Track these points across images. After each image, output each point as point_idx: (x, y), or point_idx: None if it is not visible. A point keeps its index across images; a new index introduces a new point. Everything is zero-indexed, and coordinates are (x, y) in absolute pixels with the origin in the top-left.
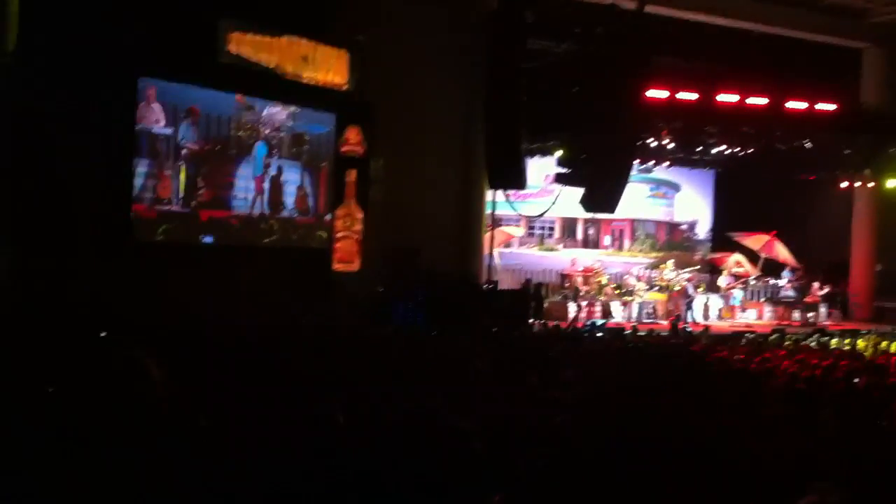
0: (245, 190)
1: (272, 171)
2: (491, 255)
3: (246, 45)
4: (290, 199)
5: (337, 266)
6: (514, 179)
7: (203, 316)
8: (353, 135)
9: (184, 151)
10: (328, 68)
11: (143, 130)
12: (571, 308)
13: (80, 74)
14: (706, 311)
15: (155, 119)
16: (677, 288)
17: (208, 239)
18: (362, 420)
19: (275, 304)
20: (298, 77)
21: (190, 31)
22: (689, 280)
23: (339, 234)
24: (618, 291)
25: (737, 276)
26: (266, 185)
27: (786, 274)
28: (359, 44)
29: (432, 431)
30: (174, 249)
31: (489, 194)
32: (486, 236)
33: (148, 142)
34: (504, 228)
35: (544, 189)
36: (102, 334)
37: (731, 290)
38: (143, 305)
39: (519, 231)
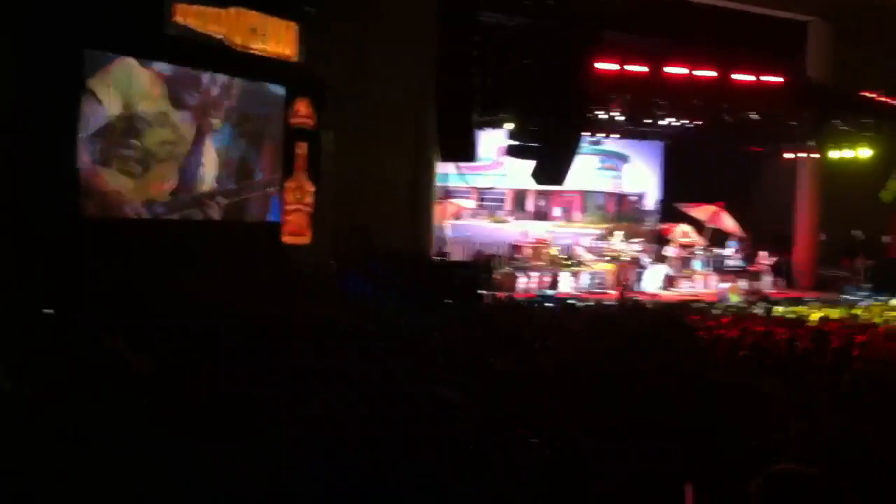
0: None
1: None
2: (442, 227)
3: (193, 17)
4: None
5: (287, 239)
6: (464, 152)
7: (162, 296)
8: (302, 107)
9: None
10: (277, 40)
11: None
12: (521, 279)
13: (25, 47)
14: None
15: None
16: (626, 258)
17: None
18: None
19: (230, 282)
20: (247, 49)
21: (135, 2)
22: (642, 251)
23: (290, 207)
24: (567, 262)
25: (684, 246)
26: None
27: (731, 244)
28: (308, 15)
29: (424, 403)
30: (122, 225)
31: (440, 167)
32: (438, 208)
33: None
34: (455, 200)
35: (495, 162)
36: (47, 311)
37: (689, 259)
38: (96, 285)
39: (470, 203)
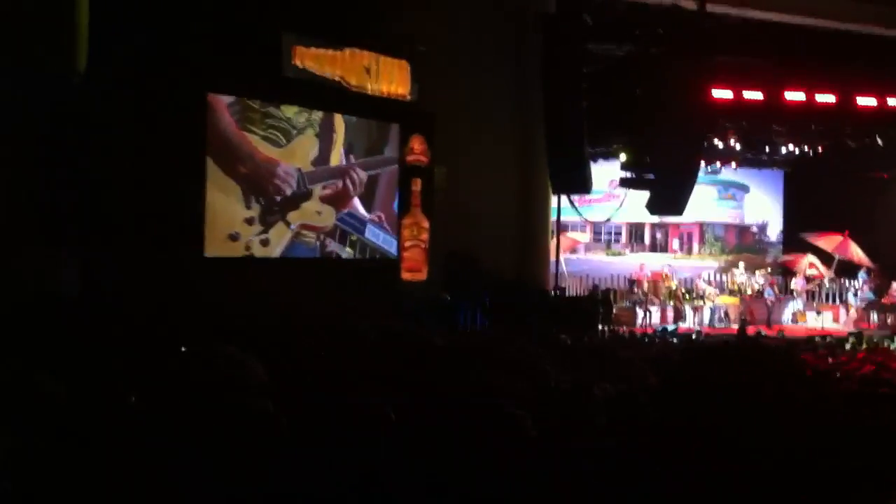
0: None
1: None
2: (557, 261)
3: (310, 59)
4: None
5: (405, 276)
6: (578, 184)
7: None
8: (417, 144)
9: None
10: (391, 79)
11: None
12: (640, 314)
13: (150, 92)
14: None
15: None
16: (749, 291)
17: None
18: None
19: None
20: (363, 89)
21: (255, 46)
22: (767, 283)
23: (407, 244)
24: (688, 296)
25: (810, 279)
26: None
27: (861, 275)
28: (419, 54)
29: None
30: (247, 263)
31: (553, 200)
32: (552, 243)
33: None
34: (570, 234)
35: (609, 193)
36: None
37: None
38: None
39: (584, 237)
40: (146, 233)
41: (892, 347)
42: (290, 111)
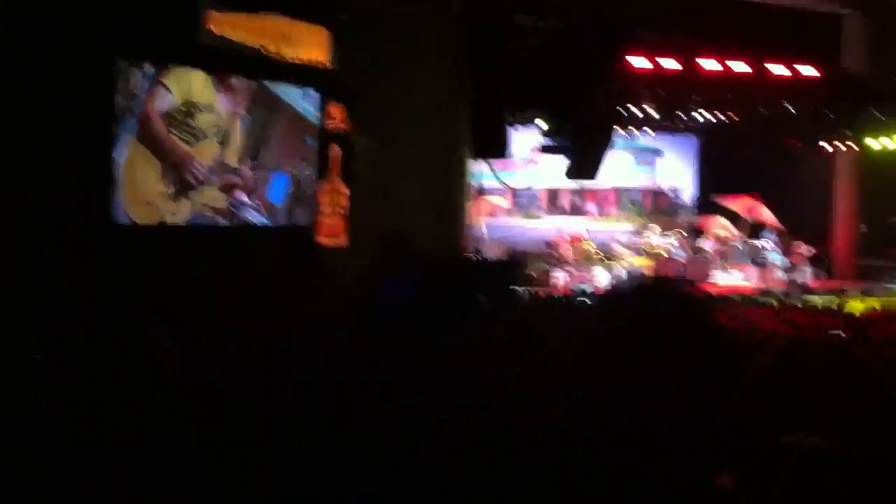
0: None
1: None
2: (477, 225)
3: (226, 25)
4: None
5: (323, 240)
6: (497, 149)
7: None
8: (336, 112)
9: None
10: (310, 46)
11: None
12: (556, 276)
13: (58, 59)
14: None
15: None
16: (663, 252)
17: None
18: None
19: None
20: (281, 56)
21: (169, 12)
22: (678, 245)
23: (326, 210)
24: (604, 258)
25: (720, 239)
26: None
27: (769, 235)
28: (340, 21)
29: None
30: (159, 232)
31: (473, 165)
32: (472, 207)
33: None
34: (489, 198)
35: (529, 159)
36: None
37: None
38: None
39: (504, 202)
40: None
41: (797, 304)
42: (203, 120)
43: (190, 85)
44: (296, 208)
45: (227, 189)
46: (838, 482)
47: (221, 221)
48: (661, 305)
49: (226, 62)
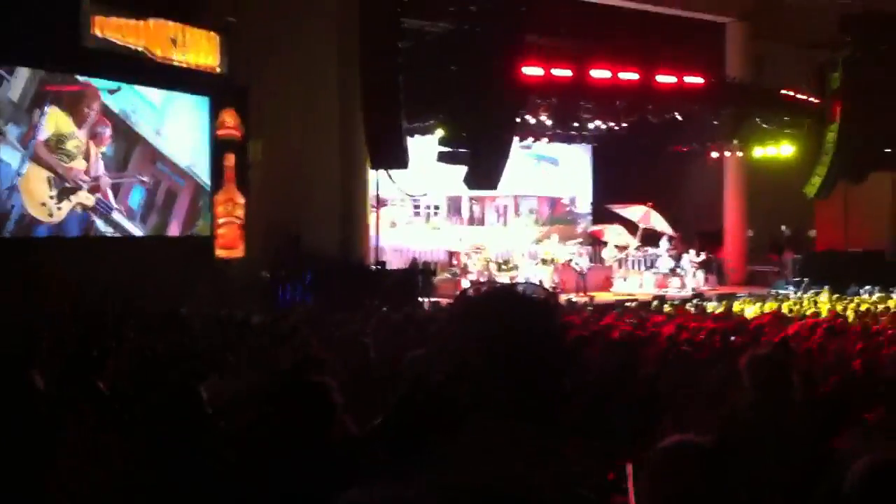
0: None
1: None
2: (378, 235)
3: (111, 29)
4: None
5: (220, 253)
6: (396, 159)
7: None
8: (229, 118)
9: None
10: (198, 51)
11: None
12: (461, 285)
13: None
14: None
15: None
16: (561, 261)
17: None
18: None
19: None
20: (169, 60)
21: (52, 16)
22: (577, 253)
23: (221, 220)
24: (505, 267)
25: (619, 248)
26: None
27: (663, 243)
28: (229, 25)
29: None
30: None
31: (372, 175)
32: (372, 216)
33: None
34: (389, 208)
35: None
36: None
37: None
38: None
39: (404, 211)
40: None
41: (690, 310)
42: (70, 144)
43: (56, 121)
44: (149, 214)
45: (93, 192)
46: (715, 474)
47: (95, 219)
48: (503, 309)
49: (110, 67)
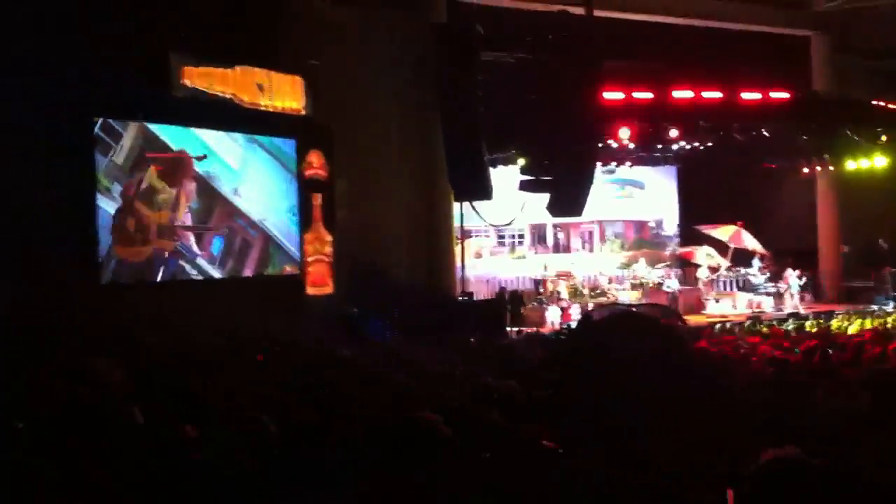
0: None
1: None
2: (463, 266)
3: (199, 78)
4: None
5: (310, 290)
6: (479, 191)
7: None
8: (315, 158)
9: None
10: (284, 95)
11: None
12: (548, 313)
13: (37, 117)
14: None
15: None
16: (651, 284)
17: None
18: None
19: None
20: (256, 105)
21: (142, 68)
22: (667, 276)
23: (310, 258)
24: (592, 293)
25: (708, 269)
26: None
27: (755, 262)
28: (312, 68)
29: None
30: (144, 288)
31: (456, 207)
32: (457, 248)
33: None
34: (474, 239)
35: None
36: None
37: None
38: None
39: (489, 241)
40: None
41: (788, 329)
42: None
43: (151, 178)
44: (228, 259)
45: (177, 238)
46: (819, 492)
47: (183, 264)
48: (629, 332)
49: (200, 114)
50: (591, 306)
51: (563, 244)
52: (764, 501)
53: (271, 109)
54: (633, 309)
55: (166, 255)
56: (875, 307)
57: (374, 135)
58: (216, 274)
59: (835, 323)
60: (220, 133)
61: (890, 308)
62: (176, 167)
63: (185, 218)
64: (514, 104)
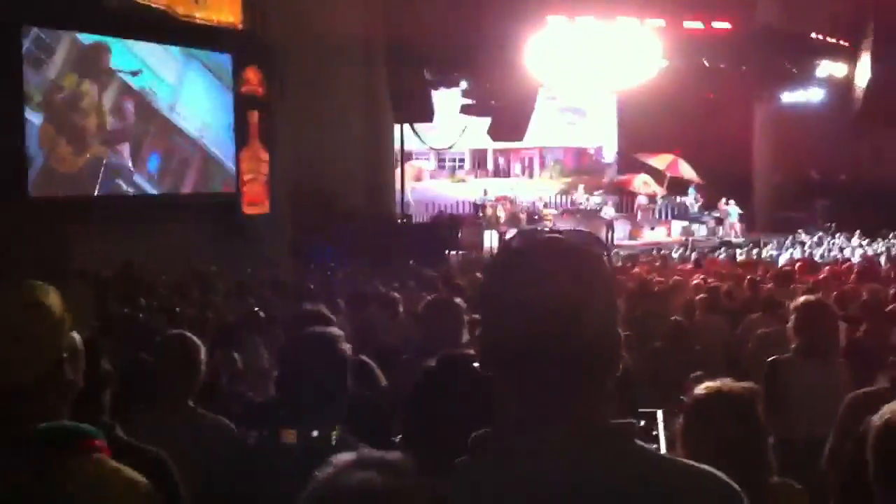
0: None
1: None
2: (403, 189)
3: None
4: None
5: (247, 210)
6: (421, 113)
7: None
8: (252, 75)
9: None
10: (220, 7)
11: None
12: (486, 237)
13: None
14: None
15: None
16: (588, 210)
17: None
18: None
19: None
20: (191, 18)
21: None
22: (604, 203)
23: (246, 177)
24: (532, 219)
25: (647, 196)
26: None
27: (690, 191)
28: None
29: None
30: (74, 204)
31: (396, 129)
32: (397, 171)
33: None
34: (414, 162)
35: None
36: None
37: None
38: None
39: (429, 164)
40: None
41: (720, 257)
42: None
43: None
44: (165, 176)
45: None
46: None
47: (119, 182)
48: (546, 260)
49: (133, 26)
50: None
51: (504, 169)
52: (699, 428)
53: (207, 22)
54: (555, 235)
55: (102, 165)
56: (805, 238)
57: (318, 55)
58: (153, 191)
59: (765, 252)
60: (156, 46)
61: (817, 238)
62: (89, 63)
63: (115, 123)
64: (460, 29)
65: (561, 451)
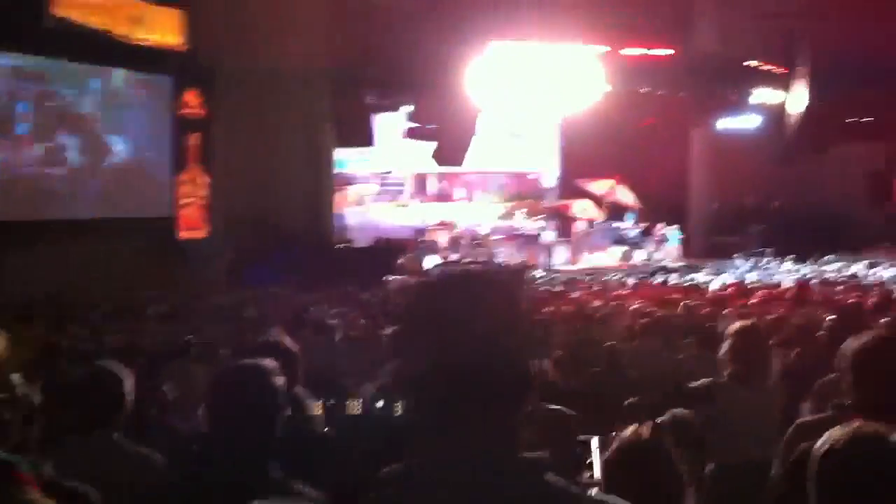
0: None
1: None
2: (343, 214)
3: (73, 8)
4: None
5: (183, 234)
6: (361, 137)
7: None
8: (191, 97)
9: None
10: (162, 29)
11: None
12: (427, 262)
13: None
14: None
15: None
16: (529, 235)
17: None
18: None
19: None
20: (130, 39)
21: None
22: (544, 228)
23: (183, 201)
24: (473, 244)
25: (587, 222)
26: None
27: (629, 216)
28: (193, 2)
29: None
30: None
31: (338, 153)
32: (338, 195)
33: None
34: (354, 187)
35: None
36: None
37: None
38: None
39: (371, 189)
40: None
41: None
42: None
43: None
44: (100, 199)
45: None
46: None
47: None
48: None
49: (74, 47)
50: (472, 256)
51: (446, 193)
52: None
53: (147, 44)
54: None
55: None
56: (739, 263)
57: (260, 77)
58: (88, 214)
59: (699, 277)
60: (94, 67)
61: (752, 263)
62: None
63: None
64: (405, 52)
65: (470, 484)
